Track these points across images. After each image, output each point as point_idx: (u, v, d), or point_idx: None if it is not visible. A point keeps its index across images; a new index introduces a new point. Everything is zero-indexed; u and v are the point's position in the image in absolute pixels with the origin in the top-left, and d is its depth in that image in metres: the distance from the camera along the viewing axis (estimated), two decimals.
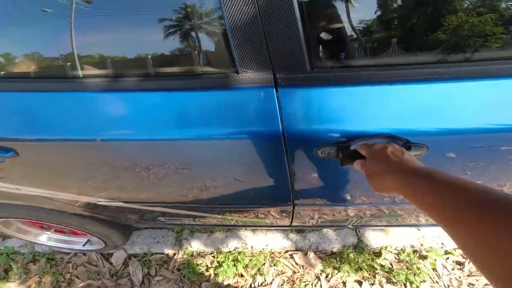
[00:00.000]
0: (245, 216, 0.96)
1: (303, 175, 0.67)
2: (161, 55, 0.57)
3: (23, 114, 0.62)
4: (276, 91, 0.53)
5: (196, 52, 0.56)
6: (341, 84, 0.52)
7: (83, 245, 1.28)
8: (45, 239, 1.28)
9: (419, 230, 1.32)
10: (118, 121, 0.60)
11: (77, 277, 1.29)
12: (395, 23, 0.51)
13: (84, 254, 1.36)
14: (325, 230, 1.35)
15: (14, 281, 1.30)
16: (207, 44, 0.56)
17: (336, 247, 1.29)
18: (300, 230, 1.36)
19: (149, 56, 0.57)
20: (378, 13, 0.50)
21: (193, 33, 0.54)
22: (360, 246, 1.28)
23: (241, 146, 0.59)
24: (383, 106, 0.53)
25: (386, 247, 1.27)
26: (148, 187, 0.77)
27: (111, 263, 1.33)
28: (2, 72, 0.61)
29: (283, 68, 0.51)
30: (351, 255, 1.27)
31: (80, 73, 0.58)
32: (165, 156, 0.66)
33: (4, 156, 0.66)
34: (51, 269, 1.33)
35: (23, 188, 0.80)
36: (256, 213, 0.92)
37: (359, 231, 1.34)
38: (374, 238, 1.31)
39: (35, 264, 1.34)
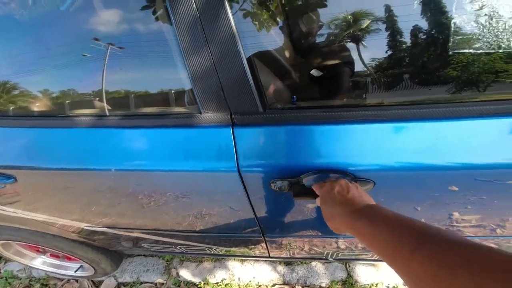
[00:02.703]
0: (225, 245, 0.98)
1: (265, 207, 0.70)
2: (144, 97, 0.67)
3: (26, 147, 0.72)
4: (233, 129, 0.59)
5: (170, 95, 0.65)
6: (290, 123, 0.58)
7: (75, 271, 1.32)
8: (40, 263, 1.33)
9: None
10: (102, 153, 0.68)
11: None
12: (338, 71, 0.58)
13: (77, 281, 1.39)
14: (313, 263, 1.31)
15: None
16: (178, 89, 0.65)
17: (324, 281, 1.24)
18: (288, 263, 1.34)
19: (134, 97, 0.66)
20: (321, 62, 0.58)
21: (167, 80, 0.64)
22: (349, 282, 1.23)
23: (207, 179, 0.65)
24: (330, 144, 0.57)
25: (376, 284, 1.21)
26: (126, 213, 0.83)
27: None
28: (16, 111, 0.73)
29: (238, 109, 0.59)
30: None
31: (69, 112, 0.68)
32: (142, 185, 0.72)
33: (5, 182, 0.75)
34: None
35: (20, 212, 0.88)
36: (232, 242, 0.94)
37: (349, 266, 1.29)
38: (364, 273, 1.25)
39: None
